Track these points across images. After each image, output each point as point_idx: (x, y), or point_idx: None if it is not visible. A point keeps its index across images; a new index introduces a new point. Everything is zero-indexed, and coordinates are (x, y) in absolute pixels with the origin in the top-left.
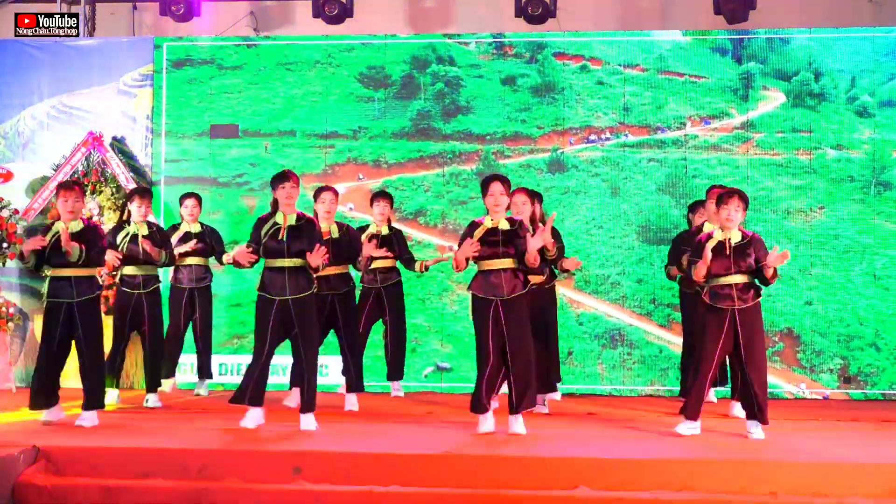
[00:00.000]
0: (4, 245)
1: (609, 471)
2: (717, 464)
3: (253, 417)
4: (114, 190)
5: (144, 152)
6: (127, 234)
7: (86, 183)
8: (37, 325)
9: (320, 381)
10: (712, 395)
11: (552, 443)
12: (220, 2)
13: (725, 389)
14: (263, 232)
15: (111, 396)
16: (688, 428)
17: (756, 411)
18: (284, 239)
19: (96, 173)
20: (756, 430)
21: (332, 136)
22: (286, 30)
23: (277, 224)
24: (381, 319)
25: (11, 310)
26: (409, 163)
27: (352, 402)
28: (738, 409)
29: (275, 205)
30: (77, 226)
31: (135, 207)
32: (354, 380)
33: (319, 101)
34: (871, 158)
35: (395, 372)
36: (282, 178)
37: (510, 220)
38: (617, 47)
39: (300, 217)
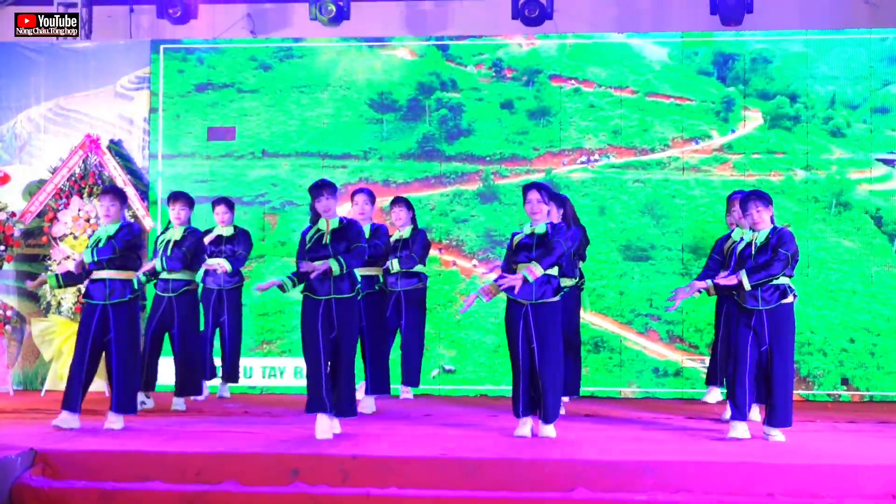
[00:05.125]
0: (2, 248)
1: (606, 473)
2: (714, 466)
3: (323, 427)
4: None
5: (142, 155)
6: (165, 240)
7: (83, 186)
8: (34, 329)
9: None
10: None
11: (549, 445)
12: (217, 4)
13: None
14: (308, 239)
15: (150, 403)
16: (741, 430)
17: (773, 413)
18: (328, 242)
19: (93, 176)
20: (774, 434)
21: (345, 157)
22: (283, 32)
23: (321, 230)
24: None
25: (9, 313)
26: (416, 182)
27: (366, 404)
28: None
29: (315, 213)
30: (113, 228)
31: (169, 212)
32: (371, 382)
33: (332, 122)
34: (834, 180)
35: (405, 377)
36: (315, 189)
37: (551, 225)
38: (608, 69)
39: (342, 220)
